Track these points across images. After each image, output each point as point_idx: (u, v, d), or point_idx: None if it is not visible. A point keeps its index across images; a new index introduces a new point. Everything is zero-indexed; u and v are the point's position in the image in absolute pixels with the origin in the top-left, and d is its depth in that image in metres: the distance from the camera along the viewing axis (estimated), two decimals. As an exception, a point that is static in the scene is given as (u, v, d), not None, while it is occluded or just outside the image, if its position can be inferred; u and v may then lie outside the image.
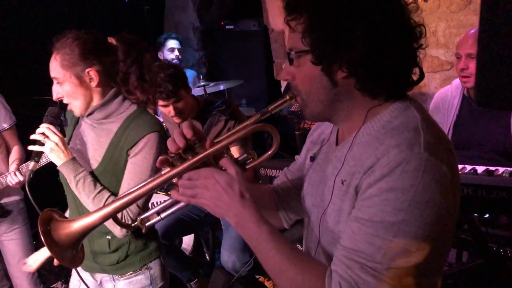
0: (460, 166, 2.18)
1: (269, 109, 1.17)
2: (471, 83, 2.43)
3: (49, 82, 1.83)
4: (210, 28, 5.89)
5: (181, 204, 1.19)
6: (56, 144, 1.71)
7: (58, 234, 1.13)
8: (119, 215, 1.66)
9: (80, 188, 1.73)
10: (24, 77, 3.72)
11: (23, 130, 2.91)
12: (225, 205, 1.07)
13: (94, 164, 1.80)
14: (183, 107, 2.69)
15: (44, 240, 1.12)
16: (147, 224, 1.25)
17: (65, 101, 1.77)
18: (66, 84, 1.73)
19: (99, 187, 1.75)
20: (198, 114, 2.84)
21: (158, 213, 1.24)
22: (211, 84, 4.14)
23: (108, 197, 1.74)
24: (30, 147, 1.72)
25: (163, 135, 1.79)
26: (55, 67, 1.73)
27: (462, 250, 2.22)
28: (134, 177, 1.73)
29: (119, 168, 1.76)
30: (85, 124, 1.86)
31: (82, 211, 1.82)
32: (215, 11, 5.98)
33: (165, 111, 2.73)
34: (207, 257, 3.54)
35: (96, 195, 1.73)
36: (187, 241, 3.63)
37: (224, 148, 1.15)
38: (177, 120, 2.77)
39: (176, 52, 4.39)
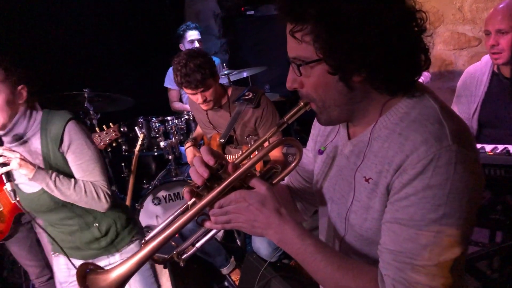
0: (491, 146, 2.14)
1: (285, 119, 1.13)
2: (502, 59, 2.37)
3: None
4: (231, 14, 5.87)
5: (215, 231, 1.16)
6: (21, 159, 1.81)
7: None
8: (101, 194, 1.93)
9: (59, 186, 1.87)
10: (50, 74, 3.81)
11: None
12: (263, 225, 1.06)
13: None
14: (210, 95, 2.71)
15: None
16: (183, 257, 1.22)
17: None
18: None
19: (72, 179, 1.92)
20: (225, 103, 2.86)
21: (193, 244, 1.21)
22: (235, 72, 4.13)
23: (83, 183, 1.91)
24: (0, 171, 1.80)
25: (75, 118, 1.95)
26: None
27: (496, 230, 2.20)
28: (81, 162, 1.93)
29: (62, 166, 1.94)
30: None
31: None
32: (235, -3, 5.95)
33: (193, 98, 2.75)
34: (238, 243, 3.59)
35: (74, 185, 1.90)
36: (218, 227, 3.68)
37: (249, 170, 1.10)
38: (204, 107, 2.79)
39: (197, 44, 4.36)
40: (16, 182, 1.93)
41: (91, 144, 1.97)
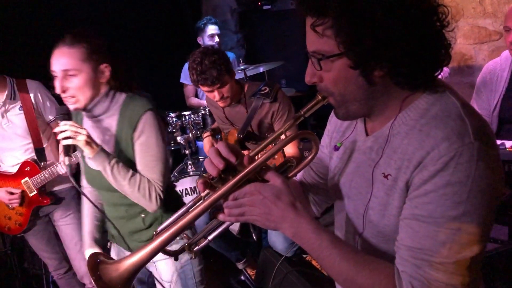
0: (511, 143, 2.11)
1: (302, 113, 1.12)
2: (522, 55, 2.33)
3: None
4: (247, 9, 5.87)
5: (227, 224, 1.15)
6: (88, 136, 1.77)
7: (110, 278, 1.09)
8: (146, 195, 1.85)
9: (115, 173, 1.81)
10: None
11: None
12: (278, 218, 1.05)
13: None
14: (227, 92, 2.72)
15: (98, 285, 1.08)
16: (195, 249, 1.21)
17: (69, 95, 1.81)
18: (79, 77, 1.79)
19: (130, 170, 1.85)
20: (242, 98, 2.87)
21: (205, 236, 1.20)
22: (251, 67, 4.13)
23: (140, 179, 1.86)
24: (64, 142, 1.75)
25: (155, 110, 1.90)
26: (70, 60, 1.78)
27: (515, 227, 2.17)
28: (145, 156, 1.87)
29: (130, 154, 1.89)
30: (86, 125, 1.95)
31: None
32: (252, -9, 5.94)
33: (210, 96, 2.76)
34: (254, 237, 3.61)
35: (131, 177, 1.84)
36: (234, 222, 3.70)
37: (265, 163, 1.09)
38: (221, 104, 2.80)
39: (216, 39, 4.38)
40: (84, 154, 1.90)
41: (161, 141, 1.90)
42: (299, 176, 1.45)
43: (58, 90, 1.80)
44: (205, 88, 2.68)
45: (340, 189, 1.24)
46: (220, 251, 3.26)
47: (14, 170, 2.79)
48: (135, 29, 4.76)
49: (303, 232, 1.04)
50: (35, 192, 2.77)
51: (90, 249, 2.16)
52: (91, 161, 1.82)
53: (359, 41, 0.93)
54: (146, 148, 1.87)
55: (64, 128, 1.75)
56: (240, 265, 3.34)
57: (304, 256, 3.07)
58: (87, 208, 2.19)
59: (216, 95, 2.70)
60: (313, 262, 3.01)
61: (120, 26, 4.57)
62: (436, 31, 0.97)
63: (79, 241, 2.90)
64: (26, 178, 2.76)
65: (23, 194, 2.77)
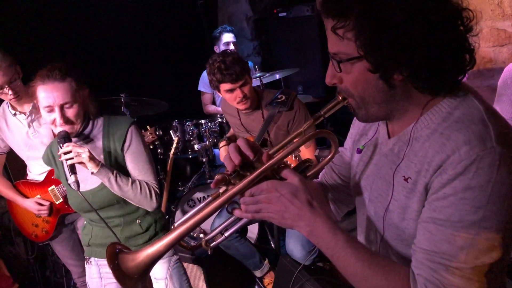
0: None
1: (322, 113, 1.13)
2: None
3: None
4: (263, 17, 5.89)
5: (244, 220, 1.16)
6: (89, 153, 1.94)
7: (127, 267, 1.11)
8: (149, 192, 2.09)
9: (119, 182, 2.01)
10: (88, 80, 3.93)
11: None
12: (294, 216, 1.05)
13: None
14: (249, 92, 2.73)
15: (115, 275, 1.10)
16: (211, 245, 1.23)
17: (68, 124, 1.98)
18: (75, 107, 1.98)
19: (130, 178, 2.08)
20: (258, 106, 2.87)
21: (221, 232, 1.21)
22: (267, 74, 4.14)
23: (139, 182, 2.08)
24: (70, 162, 1.92)
25: (136, 123, 2.17)
26: (65, 94, 1.94)
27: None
28: (138, 162, 2.12)
29: (120, 165, 2.11)
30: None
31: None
32: (267, -1, 5.97)
33: (231, 97, 2.75)
34: (272, 245, 3.60)
35: (132, 182, 2.06)
36: (252, 229, 3.71)
37: (282, 159, 1.09)
38: (242, 105, 2.79)
39: (232, 46, 4.41)
40: (68, 181, 2.02)
41: (146, 147, 2.17)
42: (320, 178, 1.45)
43: (60, 122, 1.96)
44: (228, 86, 2.68)
45: (362, 191, 1.24)
46: (238, 258, 3.25)
47: (41, 178, 2.85)
48: (153, 39, 4.83)
49: (319, 231, 1.04)
50: (61, 200, 2.82)
51: None
52: (96, 175, 1.97)
53: (379, 45, 0.93)
54: (138, 156, 2.12)
55: (68, 149, 1.91)
56: (257, 273, 3.33)
57: (323, 264, 3.04)
58: None
59: (238, 93, 2.70)
60: (332, 271, 2.98)
61: (138, 37, 4.64)
62: (459, 36, 0.96)
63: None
64: (53, 186, 2.82)
65: (50, 204, 2.82)
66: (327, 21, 1.01)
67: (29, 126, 2.77)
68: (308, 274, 2.50)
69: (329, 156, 1.17)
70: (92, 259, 2.27)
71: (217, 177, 1.14)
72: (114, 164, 2.10)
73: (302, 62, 5.27)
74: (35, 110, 2.75)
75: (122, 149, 2.10)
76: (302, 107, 2.79)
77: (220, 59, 2.64)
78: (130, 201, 2.09)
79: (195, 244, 1.25)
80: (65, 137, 1.96)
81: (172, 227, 1.14)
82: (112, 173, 2.00)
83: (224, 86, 2.70)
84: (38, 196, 2.83)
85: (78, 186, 1.90)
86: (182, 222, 1.12)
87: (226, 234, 1.21)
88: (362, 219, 1.27)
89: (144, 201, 2.09)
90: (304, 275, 2.51)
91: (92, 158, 1.94)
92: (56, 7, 3.88)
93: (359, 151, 1.25)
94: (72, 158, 1.91)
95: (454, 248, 0.91)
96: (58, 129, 1.99)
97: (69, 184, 2.05)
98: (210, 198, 1.17)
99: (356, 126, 1.34)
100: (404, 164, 1.05)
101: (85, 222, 2.31)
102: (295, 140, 1.15)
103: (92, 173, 1.96)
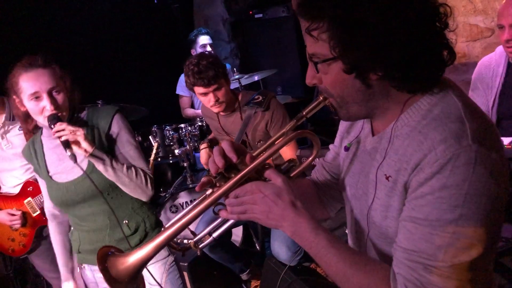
0: (509, 139, 2.10)
1: (304, 113, 1.14)
2: (517, 53, 2.32)
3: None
4: (239, 18, 5.89)
5: (231, 221, 1.18)
6: (83, 133, 1.82)
7: (117, 270, 1.12)
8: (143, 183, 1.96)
9: (115, 165, 1.90)
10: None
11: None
12: (278, 216, 1.06)
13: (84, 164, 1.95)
14: (223, 96, 2.71)
15: (105, 277, 1.11)
16: (200, 246, 1.25)
17: (58, 111, 1.87)
18: (62, 93, 1.88)
19: (124, 163, 1.95)
20: (236, 108, 2.86)
21: (209, 234, 1.24)
22: (245, 76, 4.13)
23: (134, 167, 1.96)
24: (64, 138, 1.80)
25: (121, 111, 2.06)
26: (52, 78, 1.85)
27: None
28: (129, 150, 2.01)
29: (107, 153, 1.95)
30: (51, 142, 2.02)
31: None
32: (243, 1, 5.97)
33: (205, 100, 2.74)
34: (257, 247, 3.58)
35: (127, 167, 1.93)
36: (237, 232, 3.69)
37: (266, 160, 1.12)
38: (216, 109, 2.78)
39: (208, 48, 4.40)
40: (50, 173, 1.96)
41: (133, 134, 2.07)
42: (313, 175, 1.46)
43: (51, 108, 1.83)
44: (201, 90, 2.67)
45: (348, 189, 1.24)
46: (223, 263, 3.23)
47: (15, 190, 2.78)
48: (128, 44, 4.78)
49: (302, 231, 1.05)
50: (38, 212, 2.76)
51: (67, 283, 2.19)
52: (89, 158, 1.85)
53: (352, 46, 0.93)
54: (127, 142, 2.01)
55: (62, 127, 1.80)
56: (244, 276, 3.31)
57: (309, 264, 3.04)
58: (55, 238, 2.21)
59: (211, 98, 2.68)
60: (318, 270, 2.99)
61: (114, 42, 4.58)
62: (436, 33, 0.96)
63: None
64: (29, 198, 2.75)
65: (26, 215, 2.76)
66: (302, 22, 1.01)
67: (2, 138, 2.71)
68: (295, 275, 2.50)
69: (311, 157, 1.18)
70: (85, 265, 2.18)
71: (202, 179, 1.16)
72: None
73: (280, 62, 5.29)
74: (8, 121, 2.70)
75: (107, 139, 1.98)
76: (279, 107, 2.78)
77: (195, 62, 2.62)
78: (124, 189, 1.96)
79: (184, 246, 1.27)
80: (56, 118, 1.85)
81: (162, 230, 1.15)
82: (107, 156, 1.89)
83: (197, 89, 2.69)
84: (14, 209, 2.76)
85: (76, 159, 1.79)
86: (170, 225, 1.14)
87: (215, 235, 1.23)
88: (349, 217, 1.28)
89: (140, 187, 1.96)
90: (291, 276, 2.51)
91: (86, 137, 1.83)
92: (32, 12, 3.81)
93: (346, 149, 1.25)
94: (67, 136, 1.80)
95: (432, 247, 0.91)
96: (45, 121, 1.88)
97: (50, 176, 1.99)
98: (197, 201, 1.20)
99: (343, 123, 1.35)
100: (386, 163, 1.05)
101: (71, 228, 2.20)
102: (277, 141, 1.16)
103: (86, 155, 1.84)
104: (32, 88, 1.82)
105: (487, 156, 0.89)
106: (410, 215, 0.95)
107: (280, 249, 2.85)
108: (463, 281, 0.90)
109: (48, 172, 1.97)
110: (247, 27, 5.76)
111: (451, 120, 0.94)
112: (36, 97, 1.84)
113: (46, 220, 2.73)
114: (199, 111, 4.37)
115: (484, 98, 2.61)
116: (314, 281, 2.49)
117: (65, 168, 1.98)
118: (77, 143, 1.81)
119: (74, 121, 1.97)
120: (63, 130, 1.80)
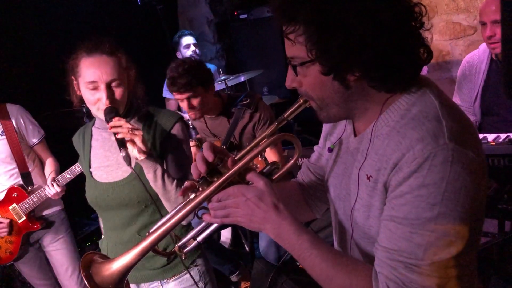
0: (493, 136, 2.13)
1: (285, 116, 1.16)
2: (500, 48, 2.35)
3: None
4: (224, 19, 5.87)
5: (215, 225, 1.18)
6: (142, 136, 1.65)
7: (101, 277, 1.11)
8: None
9: (165, 178, 1.71)
10: (48, 91, 3.82)
11: (53, 142, 2.98)
12: (260, 219, 1.07)
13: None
14: (198, 103, 2.68)
15: (89, 284, 1.10)
16: (185, 250, 1.25)
17: (112, 104, 1.70)
18: (122, 87, 1.73)
19: (175, 179, 1.75)
20: (223, 110, 2.85)
21: (194, 238, 1.23)
22: (232, 77, 4.12)
23: (181, 183, 1.74)
24: (120, 135, 1.62)
25: (183, 121, 1.89)
26: (114, 70, 1.71)
27: (504, 220, 2.18)
28: (180, 159, 1.82)
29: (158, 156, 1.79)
30: (102, 134, 1.89)
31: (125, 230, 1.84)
32: (227, 2, 5.95)
33: (183, 105, 2.73)
34: (247, 248, 3.58)
35: (177, 185, 1.73)
36: (226, 234, 3.68)
37: (247, 164, 1.12)
38: (191, 115, 2.77)
39: (193, 47, 4.39)
40: (91, 168, 1.83)
41: (189, 149, 1.89)
42: (298, 177, 1.46)
43: (106, 103, 1.69)
44: (177, 96, 2.67)
45: (332, 190, 1.24)
46: (212, 265, 3.21)
47: (0, 197, 2.74)
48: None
49: (285, 233, 1.06)
50: (24, 218, 2.72)
51: None
52: (142, 163, 1.67)
53: (328, 48, 0.94)
54: (181, 156, 1.83)
55: (120, 123, 1.62)
56: (234, 278, 3.30)
57: (297, 263, 3.05)
58: None
59: (185, 104, 2.68)
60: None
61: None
62: (411, 32, 0.97)
63: (70, 266, 2.88)
64: (14, 205, 2.71)
65: (12, 223, 2.71)
66: (281, 26, 1.02)
67: None
68: (285, 275, 2.51)
69: (292, 160, 1.19)
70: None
71: (185, 184, 1.16)
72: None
73: (266, 63, 5.29)
74: None
75: (162, 145, 1.80)
76: (266, 109, 2.79)
77: (173, 66, 2.61)
78: (167, 205, 1.75)
79: (169, 250, 1.29)
80: (114, 112, 1.68)
81: (147, 235, 1.16)
82: (160, 165, 1.70)
83: (174, 95, 2.68)
84: (0, 217, 2.72)
85: (130, 161, 1.59)
86: (154, 230, 1.15)
87: (199, 239, 1.22)
88: (334, 218, 1.28)
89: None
90: (280, 276, 2.51)
91: (144, 141, 1.64)
92: (8, 13, 3.76)
93: (330, 150, 1.26)
94: (124, 133, 1.62)
95: (412, 246, 0.92)
96: (99, 112, 1.73)
97: (90, 172, 1.86)
98: (181, 205, 1.19)
99: (327, 124, 1.35)
100: (367, 163, 1.06)
101: (103, 236, 2.00)
102: (260, 144, 1.17)
103: (138, 159, 1.65)
104: (91, 76, 1.68)
105: (464, 154, 0.90)
106: (390, 214, 0.97)
107: (269, 250, 2.86)
108: (444, 278, 0.91)
109: (90, 166, 1.84)
110: (232, 28, 5.74)
111: (429, 119, 0.95)
112: (94, 86, 1.69)
113: (32, 226, 2.72)
114: (186, 115, 4.35)
115: (468, 95, 2.65)
116: (304, 280, 2.49)
117: (108, 166, 1.84)
118: (133, 143, 1.63)
119: (131, 118, 1.82)
120: (120, 126, 1.62)
